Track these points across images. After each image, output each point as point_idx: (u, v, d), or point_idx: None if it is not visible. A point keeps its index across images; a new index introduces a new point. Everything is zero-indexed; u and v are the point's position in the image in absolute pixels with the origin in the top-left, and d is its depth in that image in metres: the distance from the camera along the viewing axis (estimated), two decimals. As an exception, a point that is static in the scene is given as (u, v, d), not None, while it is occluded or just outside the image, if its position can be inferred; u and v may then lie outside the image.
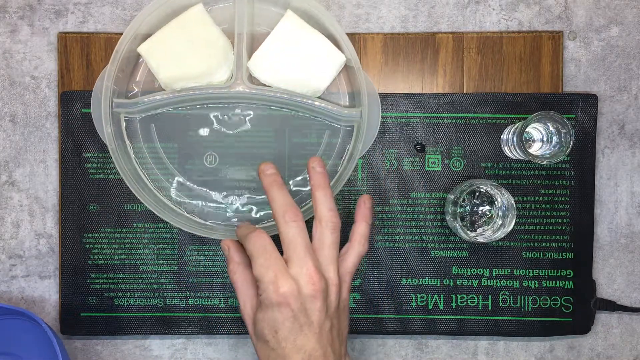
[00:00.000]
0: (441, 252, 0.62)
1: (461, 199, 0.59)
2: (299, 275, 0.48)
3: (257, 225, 0.57)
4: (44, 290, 0.63)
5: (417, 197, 0.62)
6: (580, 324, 0.62)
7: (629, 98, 0.64)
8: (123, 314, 0.62)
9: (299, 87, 0.59)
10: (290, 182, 0.61)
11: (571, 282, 0.62)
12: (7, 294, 0.63)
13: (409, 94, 0.62)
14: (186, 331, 0.62)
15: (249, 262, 0.51)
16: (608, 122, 0.64)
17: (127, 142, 0.60)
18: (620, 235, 0.64)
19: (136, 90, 0.61)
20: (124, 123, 0.60)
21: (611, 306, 0.63)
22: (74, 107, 0.61)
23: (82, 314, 0.62)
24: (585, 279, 0.62)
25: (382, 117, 0.61)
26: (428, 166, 0.62)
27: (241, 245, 0.52)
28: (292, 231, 0.49)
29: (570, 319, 0.62)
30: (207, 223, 0.60)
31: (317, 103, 0.59)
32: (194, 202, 0.61)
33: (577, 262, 0.62)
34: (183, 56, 0.59)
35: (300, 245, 0.49)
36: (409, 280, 0.62)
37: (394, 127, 0.62)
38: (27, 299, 0.63)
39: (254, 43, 0.60)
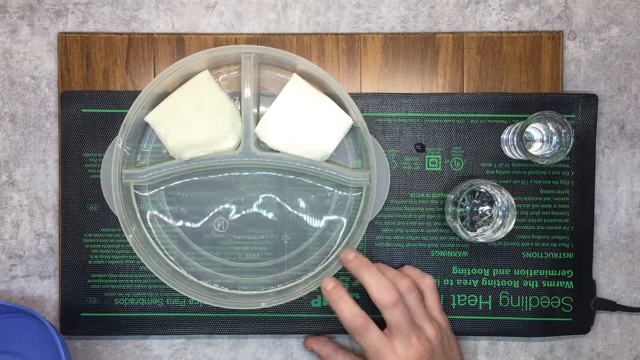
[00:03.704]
0: (441, 252, 0.62)
1: (461, 199, 0.59)
2: (408, 352, 0.53)
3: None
4: (44, 290, 0.63)
5: (417, 197, 0.62)
6: (580, 324, 0.62)
7: (629, 98, 0.64)
8: (123, 314, 0.62)
9: (307, 151, 0.59)
10: (298, 246, 0.62)
11: (571, 282, 0.62)
12: (7, 293, 0.63)
13: (409, 94, 0.62)
14: (186, 331, 0.62)
15: (336, 347, 0.60)
16: (608, 122, 0.64)
17: (137, 210, 0.61)
18: (620, 235, 0.64)
19: (144, 158, 0.61)
20: (134, 192, 0.60)
21: (611, 306, 0.63)
22: (74, 107, 0.61)
23: (82, 314, 0.62)
24: (585, 279, 0.62)
25: (382, 117, 0.61)
26: (428, 166, 0.62)
27: (320, 338, 0.61)
28: (395, 315, 0.54)
29: (570, 319, 0.62)
30: (222, 290, 0.61)
31: (326, 168, 0.59)
32: (209, 270, 0.61)
33: (577, 262, 0.62)
34: (191, 124, 0.59)
35: (404, 325, 0.53)
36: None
37: (394, 127, 0.62)
38: (27, 299, 0.63)
39: (261, 108, 0.61)
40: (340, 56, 0.62)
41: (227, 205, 0.61)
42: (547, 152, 0.59)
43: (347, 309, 0.54)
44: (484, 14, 0.63)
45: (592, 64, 0.63)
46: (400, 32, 0.63)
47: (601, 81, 0.63)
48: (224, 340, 0.63)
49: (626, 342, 0.64)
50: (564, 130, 0.57)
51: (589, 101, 0.62)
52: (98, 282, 0.62)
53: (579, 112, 0.62)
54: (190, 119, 0.59)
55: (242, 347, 0.63)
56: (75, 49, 0.62)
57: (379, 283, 0.54)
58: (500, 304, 0.62)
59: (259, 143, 0.60)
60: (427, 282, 0.58)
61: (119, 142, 0.57)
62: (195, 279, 0.61)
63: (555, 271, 0.62)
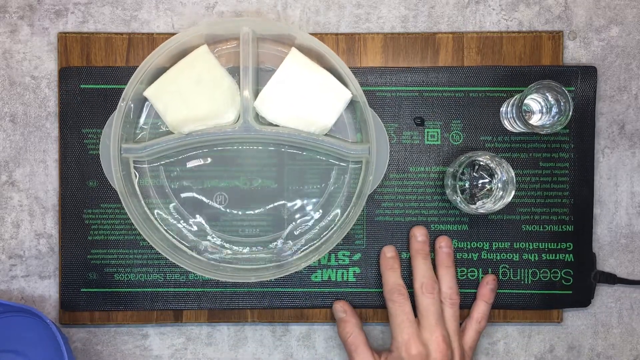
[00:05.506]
0: (441, 225, 0.62)
1: (460, 172, 0.58)
2: (428, 341, 0.56)
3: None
4: (44, 290, 0.63)
5: (417, 171, 0.62)
6: (581, 297, 0.62)
7: (629, 98, 0.64)
8: (123, 289, 0.62)
9: (306, 125, 0.59)
10: (298, 220, 0.61)
11: (571, 255, 0.62)
12: (7, 293, 0.63)
13: (408, 67, 0.62)
14: (186, 306, 0.62)
15: (361, 323, 0.60)
16: (608, 122, 0.64)
17: (137, 186, 0.60)
18: (620, 235, 0.64)
19: (143, 133, 0.61)
20: (133, 167, 0.60)
21: (611, 279, 0.63)
22: (72, 82, 0.61)
23: (82, 290, 0.62)
24: (585, 251, 0.62)
25: (382, 90, 0.61)
26: (427, 140, 0.62)
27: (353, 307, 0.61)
28: (427, 301, 0.57)
29: (571, 292, 0.62)
30: (221, 265, 0.60)
31: (325, 141, 0.59)
32: (208, 242, 0.61)
33: (577, 235, 0.62)
34: (189, 99, 0.58)
35: (432, 314, 0.57)
36: (409, 254, 0.62)
37: (393, 101, 0.62)
38: (27, 299, 0.63)
39: (260, 82, 0.60)
40: (340, 56, 0.62)
41: (226, 180, 0.61)
42: (547, 122, 0.58)
43: (394, 278, 0.59)
44: (484, 14, 0.63)
45: (592, 64, 0.63)
46: (400, 32, 0.63)
47: (601, 81, 0.63)
48: (224, 340, 0.63)
49: (626, 342, 0.64)
50: (562, 100, 0.56)
51: (588, 73, 0.62)
52: (98, 257, 0.62)
53: (578, 84, 0.62)
54: (189, 94, 0.58)
55: (242, 347, 0.63)
56: (75, 49, 0.62)
57: (425, 272, 0.59)
58: (500, 277, 0.62)
59: (258, 117, 0.60)
60: (479, 326, 0.60)
61: (117, 117, 0.57)
62: (195, 254, 0.61)
63: (555, 244, 0.62)
